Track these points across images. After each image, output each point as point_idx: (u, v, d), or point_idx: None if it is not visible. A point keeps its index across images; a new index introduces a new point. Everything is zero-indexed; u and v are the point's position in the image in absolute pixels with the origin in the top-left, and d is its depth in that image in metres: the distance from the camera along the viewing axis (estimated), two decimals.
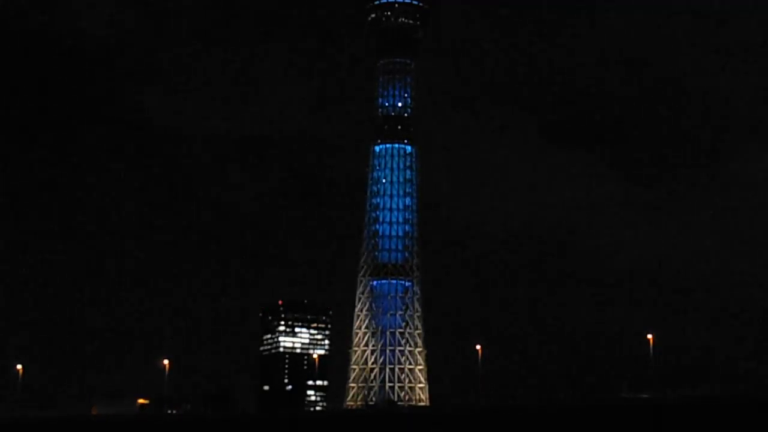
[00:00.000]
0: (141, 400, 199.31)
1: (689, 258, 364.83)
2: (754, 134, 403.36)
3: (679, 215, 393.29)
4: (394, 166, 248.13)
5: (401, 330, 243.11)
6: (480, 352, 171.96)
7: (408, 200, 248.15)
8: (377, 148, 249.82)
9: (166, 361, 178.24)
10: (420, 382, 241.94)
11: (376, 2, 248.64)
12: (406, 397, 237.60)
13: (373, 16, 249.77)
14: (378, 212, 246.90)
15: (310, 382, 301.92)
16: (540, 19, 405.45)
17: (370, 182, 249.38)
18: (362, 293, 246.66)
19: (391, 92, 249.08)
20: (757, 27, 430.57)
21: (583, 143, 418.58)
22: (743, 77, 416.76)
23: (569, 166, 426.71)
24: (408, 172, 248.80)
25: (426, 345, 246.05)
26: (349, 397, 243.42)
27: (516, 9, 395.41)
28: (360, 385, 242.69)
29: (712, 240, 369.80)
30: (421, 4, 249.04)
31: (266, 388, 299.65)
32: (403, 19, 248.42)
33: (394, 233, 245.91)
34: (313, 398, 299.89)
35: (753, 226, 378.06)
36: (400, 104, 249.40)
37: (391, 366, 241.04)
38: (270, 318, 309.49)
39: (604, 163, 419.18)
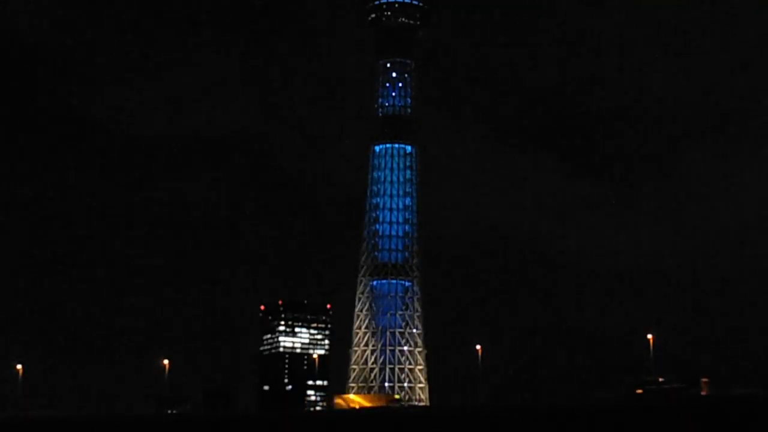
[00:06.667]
0: None
1: (669, 256, 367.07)
2: (711, 132, 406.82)
3: (642, 214, 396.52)
4: (394, 166, 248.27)
5: (401, 330, 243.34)
6: (480, 352, 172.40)
7: (408, 200, 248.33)
8: (377, 148, 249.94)
9: (166, 361, 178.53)
10: (420, 382, 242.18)
11: (376, 2, 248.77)
12: (406, 397, 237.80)
13: (373, 16, 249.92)
14: (378, 212, 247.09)
15: (310, 382, 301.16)
16: (501, 20, 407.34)
17: (370, 182, 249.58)
18: (362, 293, 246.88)
19: (391, 92, 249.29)
20: (710, 27, 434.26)
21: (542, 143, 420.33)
22: (697, 76, 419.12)
23: (552, 168, 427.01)
24: (408, 172, 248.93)
25: (426, 345, 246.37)
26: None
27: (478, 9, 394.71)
28: (360, 385, 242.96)
29: (674, 238, 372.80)
30: (421, 4, 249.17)
31: (266, 388, 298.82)
32: (403, 19, 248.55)
33: (394, 233, 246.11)
34: (313, 398, 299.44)
35: (709, 223, 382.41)
36: (400, 104, 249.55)
37: (391, 366, 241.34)
38: (270, 318, 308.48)
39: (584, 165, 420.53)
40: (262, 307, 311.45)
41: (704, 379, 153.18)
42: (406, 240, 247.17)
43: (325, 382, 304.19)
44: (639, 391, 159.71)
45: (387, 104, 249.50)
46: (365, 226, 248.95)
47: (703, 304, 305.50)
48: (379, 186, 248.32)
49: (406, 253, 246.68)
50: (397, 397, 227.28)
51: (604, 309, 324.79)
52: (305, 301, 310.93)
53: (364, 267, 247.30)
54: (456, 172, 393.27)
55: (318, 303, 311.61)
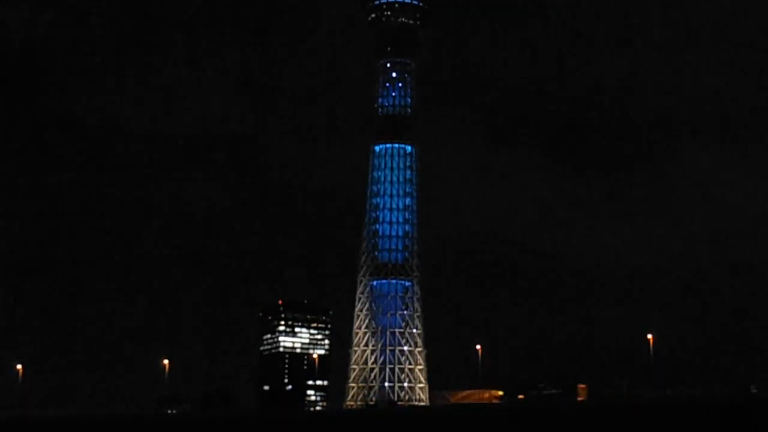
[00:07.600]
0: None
1: (668, 255, 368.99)
2: (710, 132, 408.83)
3: (640, 214, 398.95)
4: (394, 166, 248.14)
5: (401, 330, 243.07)
6: (480, 352, 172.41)
7: (408, 200, 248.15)
8: (377, 148, 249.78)
9: (166, 361, 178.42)
10: (420, 382, 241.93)
11: (376, 2, 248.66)
12: (406, 397, 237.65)
13: (373, 16, 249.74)
14: (378, 212, 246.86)
15: (310, 382, 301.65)
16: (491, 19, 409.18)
17: (370, 182, 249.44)
18: (362, 293, 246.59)
19: (391, 92, 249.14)
20: (697, 25, 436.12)
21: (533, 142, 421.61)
22: (694, 76, 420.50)
23: (551, 168, 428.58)
24: (408, 172, 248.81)
25: (426, 345, 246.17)
26: (349, 397, 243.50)
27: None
28: (360, 385, 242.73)
29: (673, 238, 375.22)
30: (421, 4, 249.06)
31: (266, 388, 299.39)
32: (403, 19, 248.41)
33: (394, 233, 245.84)
34: (313, 398, 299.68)
35: (707, 223, 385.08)
36: (400, 104, 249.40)
37: (391, 366, 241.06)
38: (270, 318, 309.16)
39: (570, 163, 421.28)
40: (263, 307, 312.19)
41: (581, 386, 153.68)
42: (406, 240, 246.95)
43: (325, 382, 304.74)
44: (521, 396, 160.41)
45: (387, 104, 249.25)
46: (365, 226, 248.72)
47: (701, 304, 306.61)
48: (379, 186, 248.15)
49: (406, 253, 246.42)
50: (500, 393, 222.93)
51: (603, 309, 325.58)
52: (305, 301, 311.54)
53: (364, 267, 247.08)
54: (456, 172, 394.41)
55: (318, 303, 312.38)
